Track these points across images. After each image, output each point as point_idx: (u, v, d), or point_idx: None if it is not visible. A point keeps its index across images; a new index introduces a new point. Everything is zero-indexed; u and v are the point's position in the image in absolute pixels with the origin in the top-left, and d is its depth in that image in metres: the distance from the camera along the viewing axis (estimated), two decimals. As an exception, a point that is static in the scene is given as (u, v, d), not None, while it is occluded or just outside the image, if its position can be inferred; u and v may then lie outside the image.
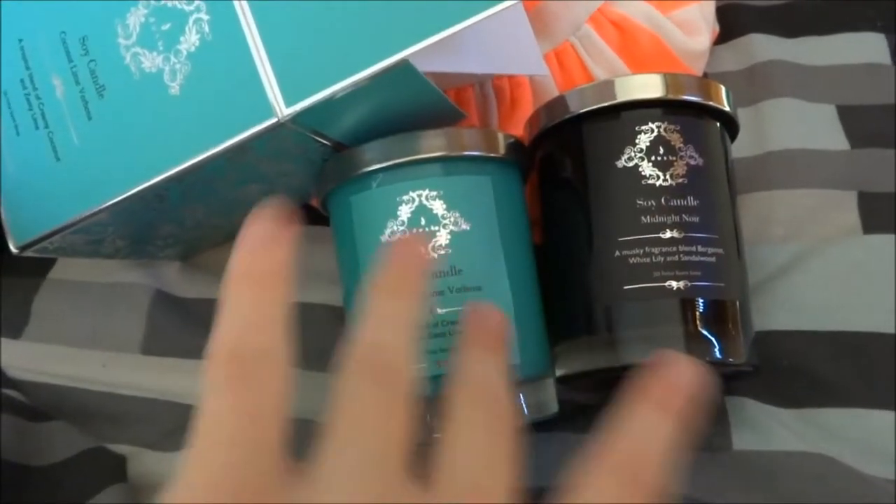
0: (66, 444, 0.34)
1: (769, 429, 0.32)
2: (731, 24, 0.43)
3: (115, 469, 0.34)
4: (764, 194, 0.37)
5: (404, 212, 0.29)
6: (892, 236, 0.35)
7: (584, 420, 0.33)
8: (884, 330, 0.33)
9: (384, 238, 0.29)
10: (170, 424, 0.36)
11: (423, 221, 0.29)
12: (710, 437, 0.32)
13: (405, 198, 0.29)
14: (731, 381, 0.33)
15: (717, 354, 0.29)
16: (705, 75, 0.41)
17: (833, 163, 0.37)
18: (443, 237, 0.29)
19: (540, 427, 0.33)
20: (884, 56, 0.41)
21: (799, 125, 0.38)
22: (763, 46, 0.41)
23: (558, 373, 0.31)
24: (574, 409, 0.34)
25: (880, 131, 0.38)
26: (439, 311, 0.28)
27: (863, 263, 0.34)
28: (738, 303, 0.30)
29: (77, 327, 0.38)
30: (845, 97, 0.39)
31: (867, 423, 0.32)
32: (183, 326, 0.38)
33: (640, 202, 0.29)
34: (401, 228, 0.29)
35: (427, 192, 0.29)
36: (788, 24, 0.42)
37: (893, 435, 0.31)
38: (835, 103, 0.39)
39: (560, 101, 0.31)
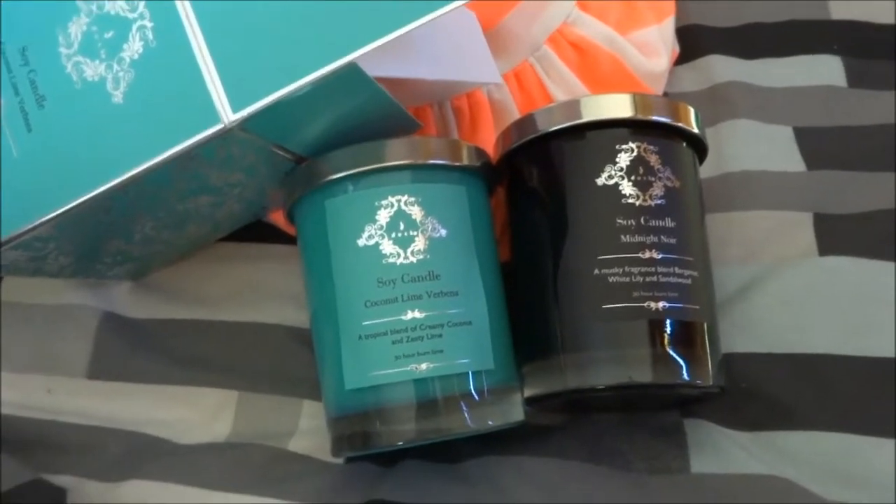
0: (4, 477, 0.32)
1: (727, 451, 0.32)
2: (691, 45, 0.43)
3: (55, 503, 0.33)
4: (722, 216, 0.37)
5: (383, 216, 0.29)
6: (848, 258, 0.35)
7: (542, 442, 0.33)
8: (839, 351, 0.33)
9: (361, 242, 0.29)
10: (115, 453, 0.34)
11: (401, 226, 0.29)
12: (668, 459, 0.32)
13: (384, 202, 0.29)
14: (692, 403, 0.33)
15: (686, 377, 0.28)
16: (666, 95, 0.42)
17: (789, 184, 0.37)
18: (421, 242, 0.29)
19: (497, 449, 0.32)
20: (840, 79, 0.41)
21: (756, 147, 0.39)
22: (722, 68, 0.42)
23: (526, 394, 0.31)
24: (531, 430, 0.33)
25: (836, 153, 0.38)
26: (417, 315, 0.28)
27: (818, 285, 0.34)
28: (707, 325, 0.30)
29: (20, 351, 0.37)
30: (802, 119, 0.40)
31: (824, 445, 0.32)
32: (132, 349, 0.37)
33: (620, 221, 0.29)
34: (379, 232, 0.29)
35: (406, 197, 0.29)
36: (747, 46, 0.43)
37: (850, 457, 0.31)
38: (792, 125, 0.40)
39: (532, 119, 0.31)
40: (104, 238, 0.33)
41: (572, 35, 0.38)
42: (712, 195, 0.37)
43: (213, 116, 0.26)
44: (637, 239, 0.29)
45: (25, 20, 0.29)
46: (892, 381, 0.32)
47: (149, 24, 0.27)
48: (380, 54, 0.26)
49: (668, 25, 0.40)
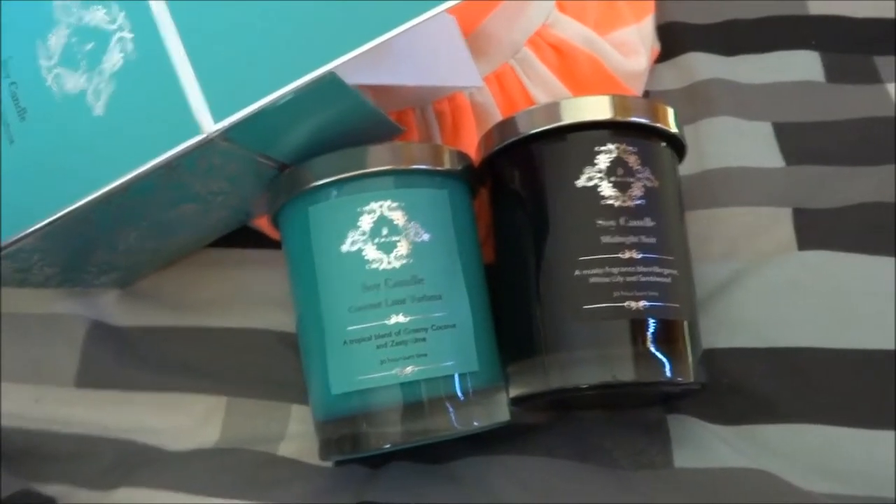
0: None
1: (709, 446, 0.32)
2: (671, 43, 0.43)
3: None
4: (702, 212, 0.37)
5: (366, 222, 0.29)
6: (827, 252, 0.35)
7: (528, 441, 0.33)
8: (820, 345, 0.33)
9: (344, 248, 0.29)
10: (105, 461, 0.34)
11: (384, 231, 0.29)
12: (652, 455, 0.32)
13: (366, 208, 0.29)
14: (675, 399, 0.33)
15: (668, 374, 0.29)
16: (646, 93, 0.42)
17: (769, 180, 0.38)
18: (404, 247, 0.29)
19: (484, 450, 0.33)
20: (818, 74, 0.42)
21: (736, 143, 0.39)
22: (702, 65, 0.42)
23: (511, 394, 0.31)
24: (517, 430, 0.33)
25: (815, 148, 0.39)
26: (401, 319, 0.28)
27: (798, 280, 0.35)
28: (687, 322, 0.30)
29: (8, 361, 0.37)
30: (781, 115, 0.40)
31: (806, 438, 0.32)
32: (120, 357, 0.37)
33: (600, 222, 0.29)
34: (362, 238, 0.29)
35: (388, 203, 0.29)
36: (727, 43, 0.43)
37: (831, 449, 0.32)
38: (771, 121, 0.40)
39: (513, 122, 0.31)
40: (89, 248, 0.33)
41: (551, 37, 0.38)
42: (693, 192, 0.37)
43: (194, 127, 0.26)
44: (617, 239, 0.29)
45: (6, 32, 0.29)
46: (873, 374, 0.33)
47: (128, 36, 0.27)
48: (360, 61, 0.26)
49: (648, 24, 0.41)
